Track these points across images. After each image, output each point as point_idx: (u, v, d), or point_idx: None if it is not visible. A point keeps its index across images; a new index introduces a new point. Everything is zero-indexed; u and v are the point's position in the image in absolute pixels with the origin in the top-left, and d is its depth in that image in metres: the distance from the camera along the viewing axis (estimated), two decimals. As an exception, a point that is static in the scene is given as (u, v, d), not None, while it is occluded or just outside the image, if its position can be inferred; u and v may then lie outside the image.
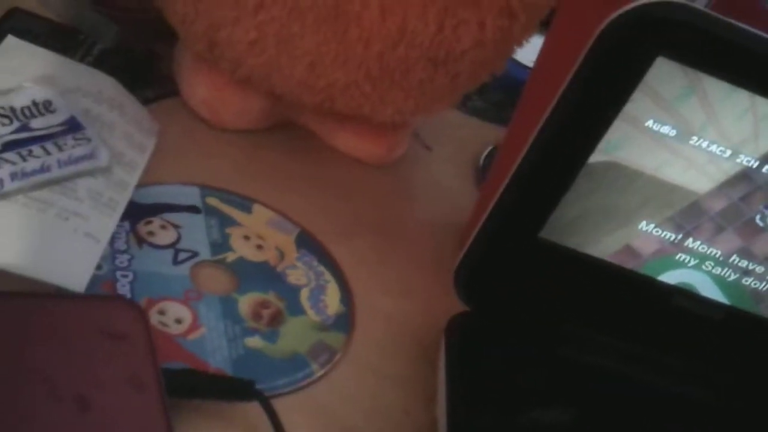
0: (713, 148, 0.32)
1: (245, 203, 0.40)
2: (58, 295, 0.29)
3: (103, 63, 0.43)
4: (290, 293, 0.36)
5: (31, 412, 0.24)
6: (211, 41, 0.40)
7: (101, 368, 0.26)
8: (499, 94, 0.57)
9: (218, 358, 0.32)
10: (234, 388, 0.30)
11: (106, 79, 0.40)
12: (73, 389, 0.25)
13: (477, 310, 0.36)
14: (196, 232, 0.37)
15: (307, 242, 0.39)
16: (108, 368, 0.26)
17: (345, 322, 0.36)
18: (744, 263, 0.35)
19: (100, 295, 0.31)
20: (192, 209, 0.38)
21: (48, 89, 0.36)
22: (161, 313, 0.32)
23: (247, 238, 0.38)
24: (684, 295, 0.36)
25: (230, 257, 0.37)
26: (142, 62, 0.45)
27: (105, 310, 0.28)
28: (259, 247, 0.38)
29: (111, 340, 0.27)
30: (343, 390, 0.34)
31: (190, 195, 0.39)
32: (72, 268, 0.31)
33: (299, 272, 0.38)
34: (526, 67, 0.57)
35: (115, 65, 0.43)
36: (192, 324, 0.33)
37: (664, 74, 0.30)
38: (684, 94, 0.31)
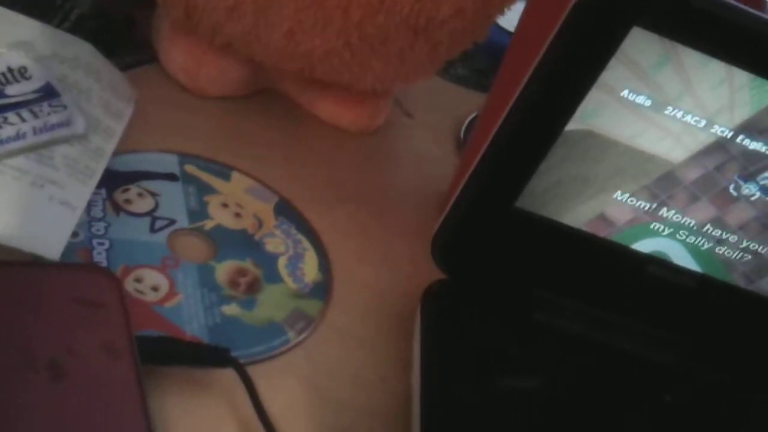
0: (688, 118, 0.32)
1: (224, 171, 0.40)
2: (33, 263, 0.30)
3: (80, 28, 0.42)
4: (268, 261, 0.37)
5: (6, 380, 0.24)
6: (188, 7, 0.39)
7: (76, 336, 0.26)
8: (482, 61, 0.57)
9: (195, 326, 0.32)
10: (209, 355, 0.30)
11: (83, 45, 0.39)
12: (48, 357, 0.25)
13: (453, 277, 0.36)
14: (173, 200, 0.37)
15: (285, 210, 0.39)
16: (82, 336, 0.26)
17: (322, 290, 0.37)
18: (717, 232, 0.35)
19: (75, 263, 0.31)
20: (170, 177, 0.38)
21: (23, 55, 0.36)
22: (138, 280, 0.33)
23: (225, 205, 0.38)
24: (657, 263, 0.36)
25: (208, 225, 0.37)
26: (120, 28, 0.44)
27: (79, 279, 0.28)
28: (237, 215, 0.38)
29: (85, 308, 0.27)
30: (319, 357, 0.34)
31: (167, 162, 0.39)
32: (47, 236, 0.31)
33: (277, 240, 0.38)
34: (509, 33, 0.57)
35: (93, 31, 0.42)
36: (169, 292, 0.33)
37: (640, 44, 0.30)
38: (660, 64, 0.31)
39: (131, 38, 0.44)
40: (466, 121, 0.52)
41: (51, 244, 0.31)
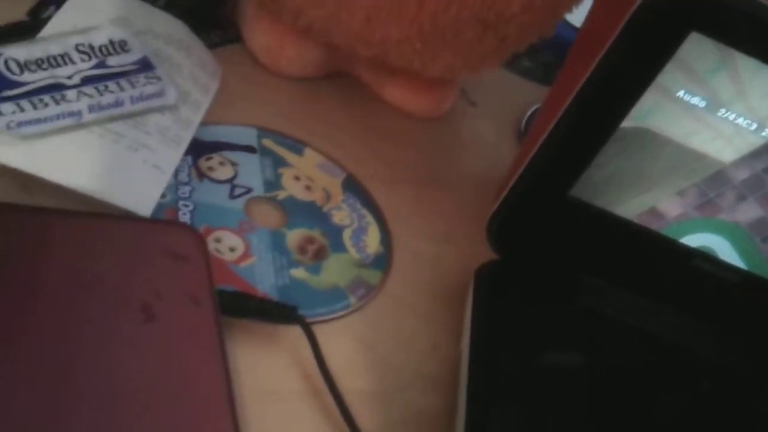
0: (740, 120, 0.34)
1: (297, 146, 0.43)
2: (129, 217, 0.33)
3: (173, 7, 0.45)
4: (334, 232, 0.39)
5: (103, 316, 0.28)
6: (273, -9, 0.42)
7: (164, 284, 0.29)
8: (547, 55, 0.59)
9: (266, 285, 0.35)
10: (278, 312, 0.33)
11: (176, 23, 0.43)
12: (140, 299, 0.28)
13: (506, 259, 0.38)
14: (251, 170, 0.40)
15: (352, 186, 0.42)
16: (170, 284, 0.30)
17: (383, 261, 0.39)
18: (763, 231, 0.37)
19: (165, 220, 0.34)
20: (248, 149, 0.41)
21: (123, 29, 0.40)
22: (217, 241, 0.36)
23: (297, 178, 0.41)
24: (703, 257, 0.38)
25: (281, 195, 0.40)
26: (208, 8, 0.48)
27: (169, 234, 0.31)
28: (308, 187, 0.41)
29: (173, 260, 0.30)
30: (376, 322, 0.37)
31: (247, 135, 0.42)
32: (140, 194, 0.35)
33: (343, 213, 0.41)
34: (576, 29, 0.58)
35: (184, 9, 0.45)
36: (244, 253, 0.36)
37: (697, 49, 0.32)
38: (715, 69, 0.33)
39: (218, 18, 0.48)
40: (528, 113, 0.54)
41: (143, 202, 0.34)
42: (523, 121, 0.53)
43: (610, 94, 0.34)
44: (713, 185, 0.36)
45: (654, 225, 0.37)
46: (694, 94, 0.33)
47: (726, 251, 0.38)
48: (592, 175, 0.36)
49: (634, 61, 0.33)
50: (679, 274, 0.38)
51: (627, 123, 0.34)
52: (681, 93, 0.33)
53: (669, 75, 0.33)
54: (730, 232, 0.37)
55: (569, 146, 0.35)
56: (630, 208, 0.37)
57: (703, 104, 0.34)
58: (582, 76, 0.34)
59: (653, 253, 0.38)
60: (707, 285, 0.38)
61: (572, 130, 0.35)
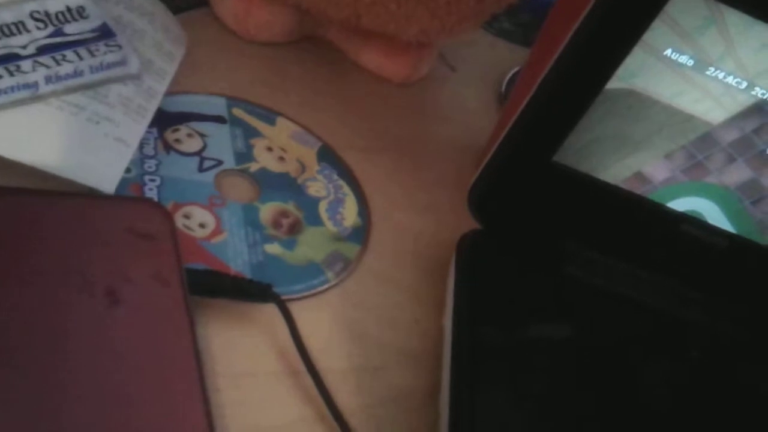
0: (729, 79, 0.32)
1: (269, 115, 0.41)
2: (90, 194, 0.31)
3: (134, -30, 0.43)
4: (309, 204, 0.38)
5: (66, 301, 0.26)
6: (240, -48, 0.40)
7: (129, 265, 0.28)
8: (527, 16, 0.57)
9: (239, 262, 0.34)
10: (252, 290, 0.32)
11: (138, -13, 0.41)
12: (104, 283, 0.27)
13: (488, 228, 0.37)
14: (221, 142, 0.38)
15: (328, 156, 0.41)
16: (135, 265, 0.28)
17: (361, 234, 0.38)
18: (753, 194, 0.36)
19: (129, 196, 0.33)
20: (218, 119, 0.39)
21: (81, -5, 0.37)
22: (186, 217, 0.34)
23: (270, 149, 0.39)
24: (691, 222, 0.37)
25: (253, 167, 0.38)
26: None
27: (133, 211, 0.30)
28: (281, 158, 0.39)
29: (139, 239, 0.29)
30: (355, 298, 0.36)
31: (216, 105, 0.40)
32: (103, 170, 0.33)
33: (319, 185, 0.39)
34: (555, -11, 0.57)
35: (146, -27, 0.43)
36: (215, 229, 0.34)
37: (685, 4, 0.31)
38: (704, 25, 0.31)
39: (183, -18, 0.45)
40: (508, 76, 0.52)
41: (106, 177, 0.33)
42: (504, 84, 0.52)
43: (594, 53, 0.32)
44: (701, 147, 0.35)
45: (640, 190, 0.36)
46: (682, 53, 0.32)
47: (714, 215, 0.37)
48: (576, 139, 0.35)
49: (619, 19, 0.31)
50: (667, 240, 0.37)
51: (612, 84, 0.33)
52: (668, 51, 0.32)
53: (656, 32, 0.31)
54: (719, 195, 0.36)
55: (552, 110, 0.34)
56: (616, 172, 0.36)
57: (691, 63, 0.32)
58: (565, 36, 0.32)
59: (640, 219, 0.37)
60: (695, 250, 0.37)
61: (555, 93, 0.33)
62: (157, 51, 0.39)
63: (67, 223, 0.28)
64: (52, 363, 0.24)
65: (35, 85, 0.33)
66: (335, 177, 0.40)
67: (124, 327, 0.26)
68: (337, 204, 0.39)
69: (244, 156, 0.38)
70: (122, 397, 0.25)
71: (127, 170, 0.34)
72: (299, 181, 0.39)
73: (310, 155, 0.40)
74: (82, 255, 0.27)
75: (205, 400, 0.26)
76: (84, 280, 0.27)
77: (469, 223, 0.37)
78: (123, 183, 0.33)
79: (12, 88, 0.33)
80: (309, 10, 0.43)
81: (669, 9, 0.31)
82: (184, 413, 0.25)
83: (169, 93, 0.38)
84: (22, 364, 0.24)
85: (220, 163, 0.37)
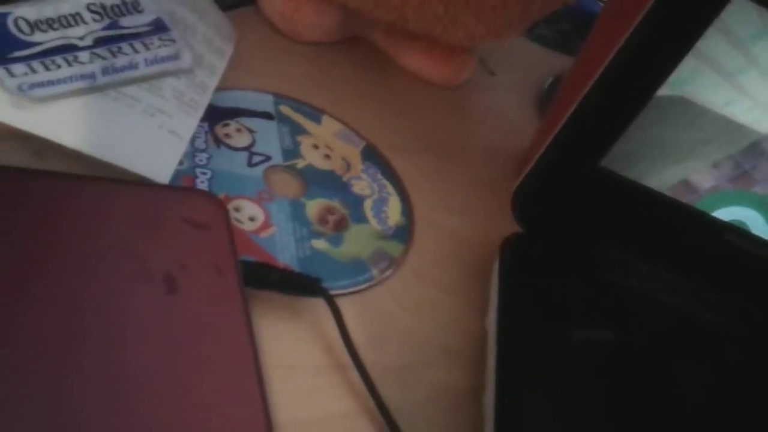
0: (781, 89, 0.33)
1: (315, 114, 0.41)
2: (150, 183, 0.32)
3: (185, -33, 0.44)
4: (354, 202, 0.38)
5: (125, 286, 0.26)
6: (291, -48, 0.41)
7: (186, 253, 0.28)
8: (566, 24, 0.57)
9: (287, 256, 0.34)
10: (302, 284, 0.32)
11: (189, -16, 0.41)
12: (162, 270, 0.27)
13: (531, 231, 0.37)
14: (269, 138, 0.39)
15: (372, 155, 0.41)
16: (192, 254, 0.28)
17: (404, 233, 0.38)
18: (798, 206, 0.36)
19: (185, 187, 0.33)
20: (266, 115, 0.40)
21: (136, -11, 0.38)
22: (236, 210, 0.35)
23: (316, 147, 0.40)
24: (735, 232, 0.37)
25: (300, 164, 0.38)
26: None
27: (189, 201, 0.30)
28: (327, 156, 0.40)
29: (194, 228, 0.29)
30: (399, 295, 0.36)
31: (264, 102, 0.40)
32: (157, 161, 0.33)
33: (363, 183, 0.39)
34: (594, -3, 0.57)
35: (197, -30, 0.44)
36: (264, 222, 0.35)
37: (740, 14, 0.31)
38: (757, 35, 0.31)
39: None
40: (548, 82, 0.53)
41: (161, 168, 0.33)
42: (543, 90, 0.52)
43: (646, 60, 0.32)
44: (749, 157, 0.35)
45: (686, 198, 0.36)
46: (734, 61, 0.32)
47: (759, 225, 0.37)
48: (624, 145, 0.35)
49: (673, 26, 0.31)
50: (710, 249, 0.37)
51: (663, 91, 0.33)
52: (720, 60, 0.32)
53: (709, 41, 0.31)
54: (764, 205, 0.36)
55: (601, 115, 0.34)
56: (662, 179, 0.36)
57: (743, 72, 0.32)
58: (616, 42, 0.32)
59: (684, 227, 0.37)
60: (737, 260, 0.37)
61: (605, 98, 0.34)
62: (208, 47, 0.39)
63: (126, 210, 0.28)
64: (113, 346, 0.25)
65: (92, 75, 0.34)
66: (379, 176, 0.40)
67: (182, 314, 0.26)
68: (381, 203, 0.39)
69: (291, 152, 0.39)
70: (181, 383, 0.25)
71: (180, 162, 0.35)
72: (344, 179, 0.39)
73: (354, 154, 0.41)
74: (140, 242, 0.28)
75: (262, 390, 0.26)
76: (142, 266, 0.27)
77: (507, 225, 0.38)
78: (176, 175, 0.34)
79: (71, 78, 0.33)
80: (357, 10, 0.43)
81: (723, 17, 0.31)
82: (242, 402, 0.25)
83: (219, 89, 0.39)
84: (85, 347, 0.24)
85: (268, 158, 0.38)
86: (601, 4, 0.56)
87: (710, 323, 0.38)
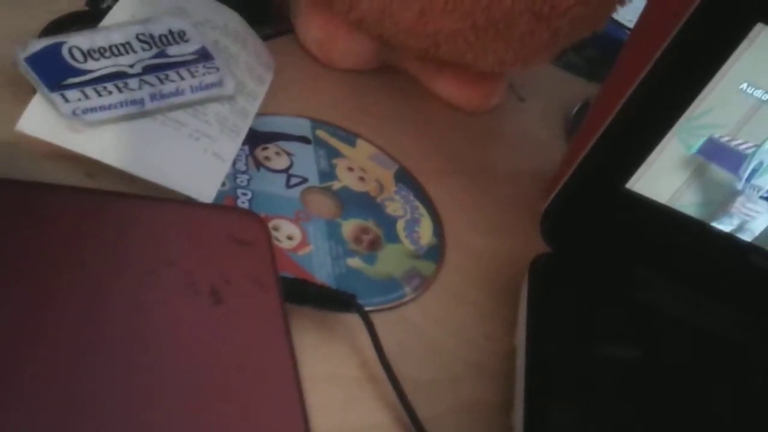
0: (803, 114, 0.34)
1: (350, 137, 0.43)
2: (195, 202, 0.33)
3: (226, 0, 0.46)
4: (388, 222, 0.40)
5: (173, 299, 0.28)
6: (328, -16, 0.43)
7: (230, 268, 0.30)
8: (593, 51, 0.59)
9: (323, 274, 0.36)
10: (338, 300, 0.33)
11: (232, 14, 0.43)
12: (209, 282, 0.29)
13: (559, 252, 0.38)
14: (306, 161, 0.40)
15: (404, 178, 0.42)
16: (236, 269, 0.30)
17: (436, 252, 0.40)
18: (822, 227, 0.37)
19: (229, 206, 0.35)
20: (303, 140, 0.41)
21: (182, 20, 0.40)
22: (275, 229, 0.36)
23: (351, 169, 0.41)
24: (761, 253, 0.37)
25: (336, 185, 0.40)
26: (262, 1, 0.48)
27: (234, 220, 0.32)
28: (362, 178, 0.41)
29: (238, 245, 0.31)
30: (430, 312, 0.37)
31: (301, 126, 0.42)
32: (202, 182, 0.35)
33: (396, 204, 0.41)
34: (622, 25, 0.58)
35: (238, 2, 0.46)
36: (301, 241, 0.36)
37: (762, 40, 0.32)
38: (780, 61, 0.32)
39: (271, 11, 0.48)
40: (575, 108, 0.54)
41: (205, 189, 0.35)
42: (570, 116, 0.53)
43: (671, 87, 0.34)
44: (772, 180, 0.36)
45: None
46: (757, 87, 0.33)
47: (783, 247, 0.37)
48: (650, 167, 0.36)
49: (697, 52, 0.33)
50: (736, 269, 0.38)
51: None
52: (744, 86, 0.33)
53: (732, 67, 0.33)
54: (788, 227, 0.37)
55: (627, 140, 0.35)
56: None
57: (766, 97, 0.33)
58: (642, 69, 0.34)
59: (709, 248, 0.38)
60: (763, 280, 0.38)
61: (631, 124, 0.35)
62: (249, 74, 0.41)
63: (174, 227, 0.30)
64: (164, 353, 0.26)
65: (141, 101, 0.36)
66: (411, 198, 0.42)
67: (226, 324, 0.28)
68: (413, 223, 0.40)
69: (327, 175, 0.40)
70: (224, 390, 0.26)
71: (222, 183, 0.36)
72: (378, 200, 0.40)
73: (387, 176, 0.42)
74: (188, 256, 0.29)
75: (302, 401, 0.27)
76: (190, 279, 0.29)
77: (535, 246, 0.39)
78: (218, 195, 0.35)
79: (121, 103, 0.35)
80: (390, 40, 0.45)
81: (746, 44, 0.32)
82: (282, 410, 0.27)
83: (259, 114, 0.41)
84: (145, 351, 0.26)
85: (305, 180, 0.39)
86: (627, 32, 0.57)
87: (736, 342, 0.39)
